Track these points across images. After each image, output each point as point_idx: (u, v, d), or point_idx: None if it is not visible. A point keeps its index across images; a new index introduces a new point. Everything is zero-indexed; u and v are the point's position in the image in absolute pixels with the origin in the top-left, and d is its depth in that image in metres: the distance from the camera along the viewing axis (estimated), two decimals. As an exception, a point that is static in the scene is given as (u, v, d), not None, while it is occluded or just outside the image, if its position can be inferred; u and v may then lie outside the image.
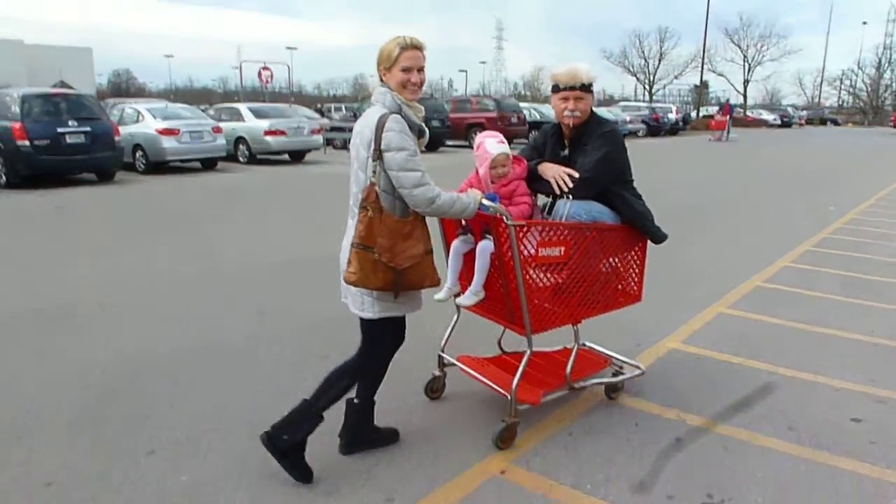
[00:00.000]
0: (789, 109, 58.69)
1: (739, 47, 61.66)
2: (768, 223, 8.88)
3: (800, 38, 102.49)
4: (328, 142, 22.57)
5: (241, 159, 16.81)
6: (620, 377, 3.55)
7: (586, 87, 3.15)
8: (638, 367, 3.61)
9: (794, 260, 6.57)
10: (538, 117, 25.95)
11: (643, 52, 65.06)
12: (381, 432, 3.01)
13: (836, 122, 62.20)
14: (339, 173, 14.86)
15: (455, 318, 3.41)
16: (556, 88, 3.20)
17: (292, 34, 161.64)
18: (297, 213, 9.51)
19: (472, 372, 3.33)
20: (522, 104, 32.99)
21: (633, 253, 3.38)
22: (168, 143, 14.02)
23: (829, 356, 4.15)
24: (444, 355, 3.46)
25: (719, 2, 67.87)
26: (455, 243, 3.22)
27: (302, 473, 2.73)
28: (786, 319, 4.75)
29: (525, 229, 2.92)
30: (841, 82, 70.89)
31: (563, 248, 3.06)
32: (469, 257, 3.19)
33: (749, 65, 62.47)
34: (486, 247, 3.06)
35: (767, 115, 53.51)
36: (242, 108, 17.75)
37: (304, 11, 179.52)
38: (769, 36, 61.65)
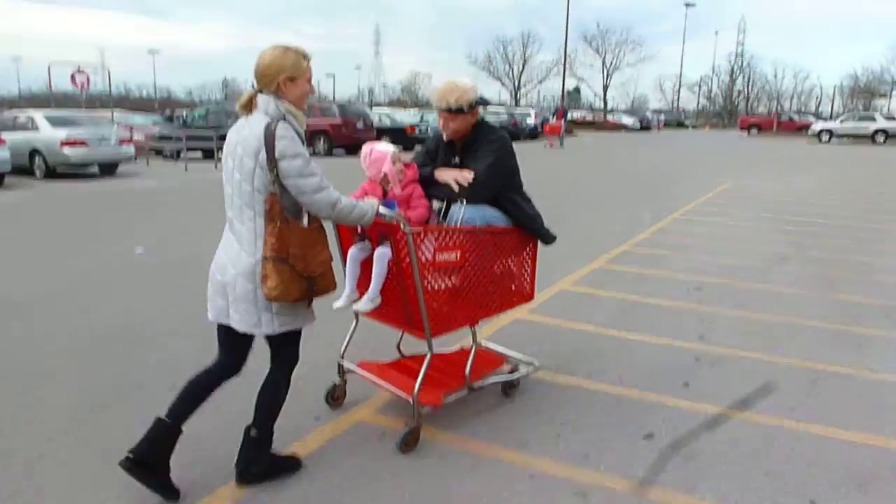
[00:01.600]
0: (648, 114, 63.24)
1: (598, 53, 65.43)
2: (569, 235, 9.00)
3: (661, 46, 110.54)
4: (158, 152, 20.50)
5: (36, 173, 15.30)
6: (517, 374, 3.78)
7: (454, 110, 3.31)
8: (532, 364, 3.85)
9: (575, 282, 6.32)
10: (388, 123, 25.46)
11: (507, 58, 66.76)
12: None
13: (694, 126, 68.10)
14: (143, 188, 14.28)
15: (353, 324, 3.56)
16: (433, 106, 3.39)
17: (163, 36, 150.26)
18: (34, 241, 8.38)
19: (372, 377, 3.47)
20: (394, 110, 32.31)
21: (525, 254, 3.60)
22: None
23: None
24: (343, 362, 3.58)
25: (580, 10, 71.88)
26: (352, 250, 3.35)
27: (290, 468, 2.96)
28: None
29: (422, 235, 3.07)
30: (699, 87, 77.58)
31: (459, 253, 3.22)
32: (366, 264, 3.32)
33: (608, 70, 66.52)
34: (383, 253, 3.18)
35: (627, 119, 57.17)
36: (37, 115, 16.08)
37: (173, 12, 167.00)
38: (626, 42, 66.52)
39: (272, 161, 2.54)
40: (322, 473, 2.98)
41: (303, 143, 2.67)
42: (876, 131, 37.22)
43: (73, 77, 22.21)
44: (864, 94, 64.35)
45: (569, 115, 56.04)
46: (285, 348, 2.85)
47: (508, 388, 3.74)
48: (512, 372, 3.77)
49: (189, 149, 19.12)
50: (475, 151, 3.36)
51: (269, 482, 2.87)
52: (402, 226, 2.94)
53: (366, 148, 3.29)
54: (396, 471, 3.01)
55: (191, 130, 20.14)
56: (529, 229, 3.50)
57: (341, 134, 22.11)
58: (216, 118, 20.98)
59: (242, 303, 2.66)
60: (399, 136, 23.81)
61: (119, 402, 3.69)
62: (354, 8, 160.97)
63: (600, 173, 17.98)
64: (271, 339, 2.79)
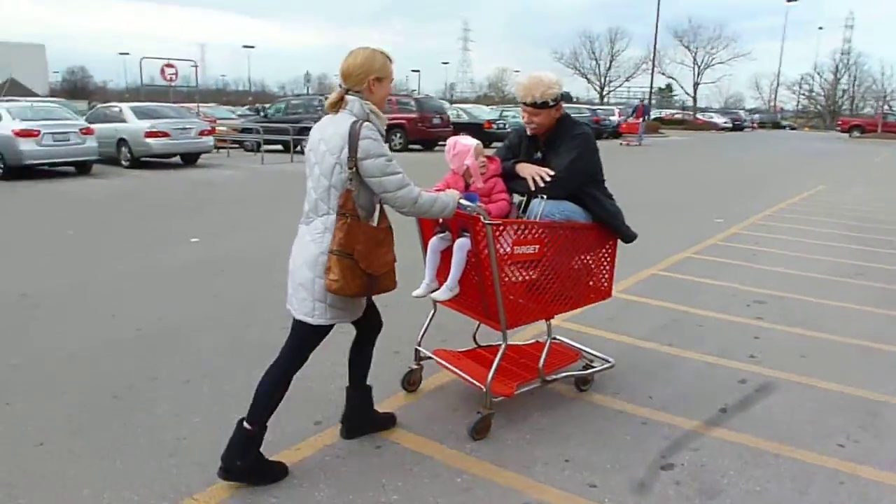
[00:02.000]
0: (741, 113, 60.81)
1: (689, 49, 63.36)
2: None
3: (758, 43, 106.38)
4: (239, 144, 21.05)
5: (123, 163, 16.12)
6: (591, 370, 3.83)
7: (538, 105, 3.36)
8: (607, 360, 3.88)
9: (624, 289, 5.92)
10: (466, 118, 25.32)
11: (594, 54, 65.85)
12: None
13: (792, 127, 64.92)
14: (219, 179, 14.71)
15: (431, 313, 3.68)
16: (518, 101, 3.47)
17: (257, 33, 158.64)
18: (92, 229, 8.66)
19: (447, 365, 3.59)
20: (484, 106, 31.93)
21: (603, 251, 3.64)
22: (26, 145, 13.27)
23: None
24: (420, 349, 3.70)
25: (671, 5, 70.30)
26: (433, 241, 3.45)
27: (275, 474, 2.90)
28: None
29: (501, 228, 3.14)
30: (800, 87, 74.15)
31: (537, 247, 3.29)
32: (446, 254, 3.42)
33: (699, 67, 64.30)
34: (463, 244, 3.27)
35: (718, 118, 54.91)
36: (124, 107, 17.16)
37: (266, 11, 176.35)
38: (718, 39, 63.79)
39: (353, 159, 2.65)
40: (306, 482, 2.91)
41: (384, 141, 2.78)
42: None
43: (162, 71, 23.12)
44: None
45: (658, 113, 53.91)
46: (306, 346, 2.89)
47: (582, 384, 3.80)
48: (586, 368, 3.82)
49: (268, 141, 19.60)
50: (558, 147, 3.41)
51: (250, 485, 2.84)
52: (482, 218, 3.02)
53: (450, 141, 3.40)
54: (384, 486, 2.90)
55: (270, 124, 20.51)
56: (610, 226, 3.53)
57: (417, 129, 22.26)
58: (296, 112, 21.29)
59: (302, 290, 2.77)
60: (476, 131, 23.46)
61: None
62: (442, 5, 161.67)
63: (676, 173, 17.41)
64: (306, 332, 2.83)
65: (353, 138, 2.65)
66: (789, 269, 6.88)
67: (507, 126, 26.11)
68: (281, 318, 3.35)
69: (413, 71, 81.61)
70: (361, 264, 2.69)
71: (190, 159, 17.22)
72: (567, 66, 68.06)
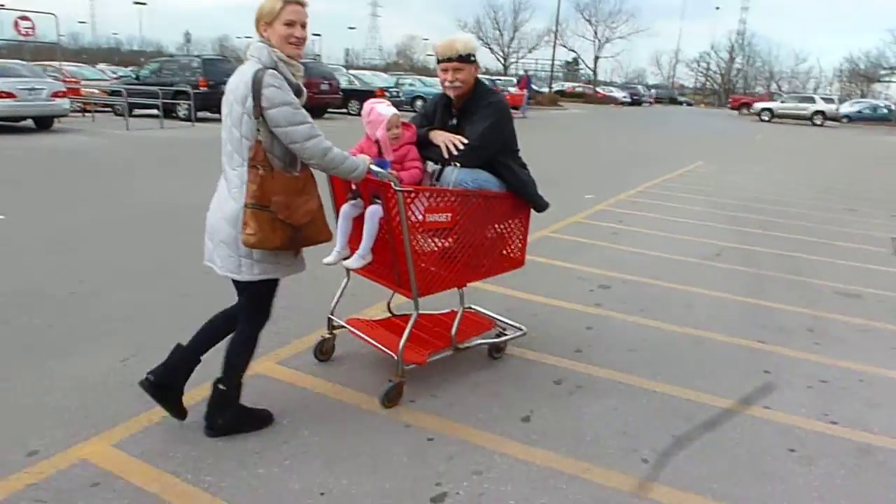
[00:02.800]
0: (640, 88, 62.98)
1: (590, 23, 64.57)
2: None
3: (659, 21, 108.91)
4: (111, 108, 19.23)
5: None
6: (504, 338, 3.92)
7: (464, 58, 3.39)
8: (520, 329, 3.98)
9: None
10: (358, 85, 24.28)
11: (497, 24, 65.25)
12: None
13: (689, 104, 67.91)
14: (66, 146, 13.37)
15: (345, 281, 3.69)
16: (438, 60, 3.48)
17: None
18: None
19: (360, 333, 3.61)
20: (382, 73, 30.51)
21: (517, 220, 3.71)
22: None
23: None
24: (333, 318, 3.72)
25: None
26: (345, 207, 3.45)
27: (263, 418, 3.03)
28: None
29: (413, 195, 3.17)
30: (698, 64, 77.54)
31: (449, 215, 3.32)
32: (358, 221, 3.43)
33: (599, 41, 65.73)
34: (374, 211, 3.29)
35: (618, 93, 56.68)
36: None
37: None
38: (619, 13, 65.60)
39: (258, 108, 2.61)
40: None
41: (298, 93, 2.73)
42: (814, 113, 38.13)
43: (15, 24, 20.67)
44: (860, 78, 62.79)
45: (561, 86, 53.93)
46: (259, 299, 2.90)
47: (495, 352, 3.89)
48: (499, 336, 3.90)
49: (143, 105, 18.42)
50: (472, 114, 3.45)
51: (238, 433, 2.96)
52: (392, 184, 3.04)
53: (367, 106, 3.40)
54: None
55: (140, 86, 18.91)
56: (523, 195, 3.60)
57: None
58: (170, 74, 19.64)
59: (224, 247, 2.75)
60: (367, 98, 22.68)
61: None
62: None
63: (556, 147, 17.35)
64: (247, 288, 2.85)
65: (257, 86, 2.60)
66: (646, 250, 6.74)
67: (400, 94, 25.39)
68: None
69: (314, 35, 78.92)
70: (280, 215, 2.65)
71: (44, 123, 15.74)
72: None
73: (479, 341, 3.78)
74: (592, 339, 4.26)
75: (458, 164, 3.36)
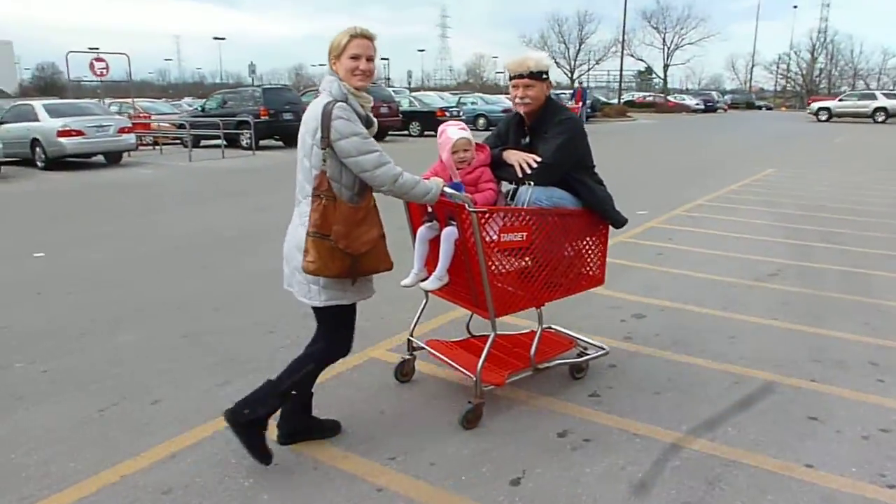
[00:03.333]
0: (714, 94, 61.18)
1: (658, 31, 63.31)
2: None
3: (733, 24, 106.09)
4: (180, 140, 20.07)
5: (38, 164, 15.68)
6: (584, 357, 3.88)
7: (535, 75, 3.42)
8: (601, 348, 3.95)
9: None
10: (417, 107, 24.39)
11: (562, 37, 64.94)
12: (322, 423, 3.20)
13: (768, 107, 65.28)
14: (128, 179, 14.06)
15: (423, 302, 3.75)
16: (509, 77, 3.51)
17: (233, 24, 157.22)
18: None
19: (439, 355, 3.66)
20: (446, 93, 32.38)
21: (594, 237, 3.70)
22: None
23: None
24: (413, 339, 3.79)
25: None
26: (421, 230, 3.52)
27: (261, 454, 2.90)
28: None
29: (487, 215, 3.21)
30: (777, 66, 75.10)
31: (525, 234, 3.34)
32: (435, 243, 3.48)
33: (668, 49, 64.53)
34: (450, 233, 3.34)
35: (690, 101, 55.03)
36: (37, 104, 16.60)
37: (245, 2, 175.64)
38: (687, 19, 64.22)
39: (325, 139, 2.72)
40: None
41: (368, 123, 2.87)
42: (875, 110, 36.56)
43: (91, 65, 21.78)
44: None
45: (631, 96, 52.50)
46: (332, 324, 2.98)
47: (576, 372, 3.87)
48: (580, 356, 3.89)
49: (210, 136, 19.02)
50: (544, 132, 3.47)
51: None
52: (466, 206, 3.09)
53: (441, 127, 3.46)
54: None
55: (204, 118, 19.62)
56: (599, 212, 3.60)
57: None
58: (234, 105, 20.22)
59: (298, 274, 2.88)
60: (429, 119, 22.77)
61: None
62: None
63: (618, 161, 16.52)
64: (321, 312, 2.95)
65: (326, 119, 2.72)
66: (693, 271, 6.24)
67: (461, 113, 25.25)
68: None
69: (382, 59, 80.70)
70: (340, 244, 2.74)
71: (113, 158, 16.62)
72: (536, 51, 66.86)
73: (559, 361, 3.77)
74: (614, 380, 3.84)
75: (531, 183, 3.39)
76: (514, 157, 3.45)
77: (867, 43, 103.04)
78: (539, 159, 3.37)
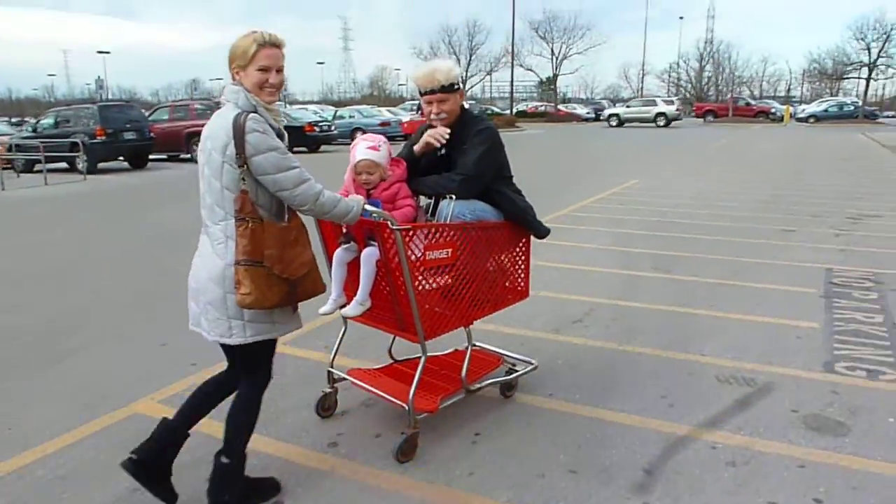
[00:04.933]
0: (604, 102, 63.49)
1: (545, 40, 63.93)
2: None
3: (625, 35, 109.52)
4: (9, 164, 18.38)
5: None
6: (514, 374, 3.87)
7: (447, 88, 3.38)
8: (530, 363, 3.95)
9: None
10: (285, 122, 22.53)
11: (453, 49, 64.43)
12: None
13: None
14: None
15: (342, 330, 3.61)
16: (420, 92, 3.47)
17: (129, 36, 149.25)
18: None
19: (365, 385, 3.52)
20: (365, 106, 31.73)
21: (518, 249, 3.71)
22: None
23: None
24: (333, 370, 3.62)
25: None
26: (338, 252, 3.40)
27: (267, 490, 2.88)
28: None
29: (411, 233, 3.16)
30: (668, 75, 79.07)
31: (450, 250, 3.31)
32: (353, 266, 3.39)
33: (556, 58, 64.81)
34: (371, 253, 3.25)
35: (580, 109, 57.18)
36: None
37: (143, 12, 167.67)
38: (574, 28, 64.44)
39: (241, 156, 2.51)
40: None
41: (280, 136, 2.66)
42: (657, 115, 40.60)
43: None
44: (822, 77, 62.95)
45: (524, 106, 52.30)
46: (257, 361, 2.80)
47: (506, 390, 3.86)
48: (509, 373, 3.87)
49: (51, 159, 17.26)
50: (462, 143, 3.44)
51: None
52: (389, 223, 3.02)
53: (354, 141, 3.33)
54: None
55: (37, 139, 17.71)
56: (522, 223, 3.60)
57: None
58: (69, 123, 18.32)
59: (212, 309, 2.64)
60: (297, 135, 21.47)
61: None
62: (324, 2, 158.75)
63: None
64: (242, 351, 2.71)
65: (238, 132, 2.49)
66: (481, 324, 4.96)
67: (332, 128, 23.97)
68: None
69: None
70: (275, 269, 2.55)
71: None
72: (425, 61, 65.70)
73: (490, 380, 3.72)
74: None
75: (453, 197, 3.33)
76: (424, 138, 3.39)
77: (751, 52, 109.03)
78: (448, 131, 3.32)
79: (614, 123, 41.52)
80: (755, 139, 29.65)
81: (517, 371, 3.87)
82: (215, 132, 2.56)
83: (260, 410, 2.83)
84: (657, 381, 4.08)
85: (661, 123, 40.45)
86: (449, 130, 3.33)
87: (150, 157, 19.86)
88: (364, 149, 3.21)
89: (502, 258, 3.60)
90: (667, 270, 6.71)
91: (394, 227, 2.96)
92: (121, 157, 18.89)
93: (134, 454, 2.71)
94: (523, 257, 3.71)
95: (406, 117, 30.19)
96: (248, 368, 2.78)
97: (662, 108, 41.29)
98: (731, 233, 8.62)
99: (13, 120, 33.77)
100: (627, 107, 43.33)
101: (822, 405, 3.76)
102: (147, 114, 21.75)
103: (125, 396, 3.92)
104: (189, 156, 20.11)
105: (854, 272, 6.55)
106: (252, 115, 2.54)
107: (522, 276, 3.73)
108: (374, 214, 2.94)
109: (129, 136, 18.26)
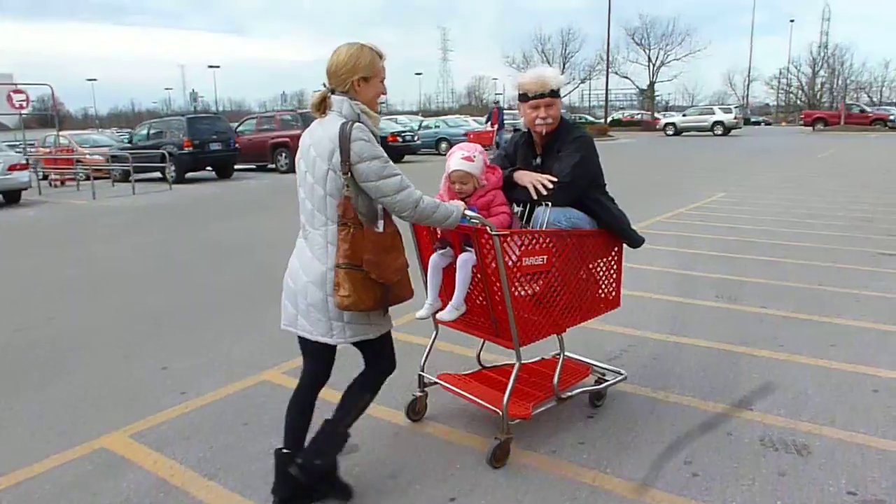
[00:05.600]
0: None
1: (642, 47, 62.21)
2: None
3: (729, 40, 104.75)
4: (107, 174, 19.20)
5: None
6: (604, 384, 3.81)
7: (555, 93, 3.40)
8: (619, 373, 3.88)
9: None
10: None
11: (546, 57, 64.50)
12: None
13: (767, 122, 65.23)
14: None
15: (433, 335, 3.63)
16: (524, 97, 3.43)
17: (242, 52, 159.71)
18: None
19: (456, 389, 3.53)
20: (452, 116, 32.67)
21: (610, 257, 3.67)
22: None
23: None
24: (424, 374, 3.64)
25: (627, 5, 66.94)
26: (433, 258, 3.41)
27: (343, 490, 2.91)
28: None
29: (508, 238, 3.16)
30: (778, 81, 75.26)
31: (546, 256, 3.29)
32: (447, 272, 3.41)
33: (653, 65, 62.90)
34: (467, 259, 3.25)
35: (678, 118, 53.94)
36: None
37: (253, 29, 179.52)
38: (671, 34, 62.69)
39: (346, 164, 2.58)
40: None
41: (382, 145, 2.75)
42: (714, 124, 39.58)
43: (9, 98, 20.14)
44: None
45: (620, 115, 50.80)
46: (373, 355, 2.88)
47: (596, 399, 3.80)
48: (598, 382, 3.81)
49: (141, 169, 18.10)
50: (558, 151, 3.42)
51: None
52: (488, 229, 3.01)
53: (452, 149, 3.33)
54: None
55: (135, 151, 18.91)
56: (616, 231, 3.56)
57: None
58: (159, 135, 19.09)
59: (315, 311, 2.71)
60: (381, 146, 21.10)
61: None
62: (424, 15, 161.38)
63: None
64: (359, 346, 2.82)
65: (344, 141, 2.56)
66: None
67: (415, 137, 23.87)
68: None
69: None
70: (372, 274, 2.61)
71: (11, 197, 15.32)
72: (519, 71, 64.49)
73: (580, 389, 3.68)
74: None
75: (549, 204, 3.31)
76: (527, 178, 3.37)
77: (868, 55, 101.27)
78: (554, 179, 3.31)
79: (671, 133, 40.56)
80: (865, 149, 26.83)
81: (607, 381, 3.81)
82: (321, 140, 2.63)
83: (374, 397, 2.90)
84: (684, 441, 3.39)
85: (719, 132, 39.41)
86: (553, 179, 3.27)
87: (237, 167, 20.40)
88: (458, 159, 3.22)
89: (595, 266, 3.57)
90: (732, 299, 5.83)
91: (493, 233, 2.96)
92: (208, 168, 19.50)
93: (274, 494, 2.82)
94: (616, 266, 3.67)
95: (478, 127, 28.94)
96: (371, 361, 2.88)
97: (720, 116, 40.26)
98: (817, 255, 7.50)
99: (118, 132, 35.67)
100: (684, 115, 42.23)
101: (892, 487, 2.94)
102: (235, 126, 22.40)
103: (96, 429, 3.70)
104: (273, 166, 20.72)
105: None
106: (358, 124, 2.60)
107: (614, 285, 3.69)
108: (473, 220, 2.95)
109: (216, 147, 18.75)
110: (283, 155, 20.32)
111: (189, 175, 18.87)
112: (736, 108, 45.72)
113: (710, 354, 4.54)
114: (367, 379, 2.89)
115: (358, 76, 2.65)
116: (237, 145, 19.79)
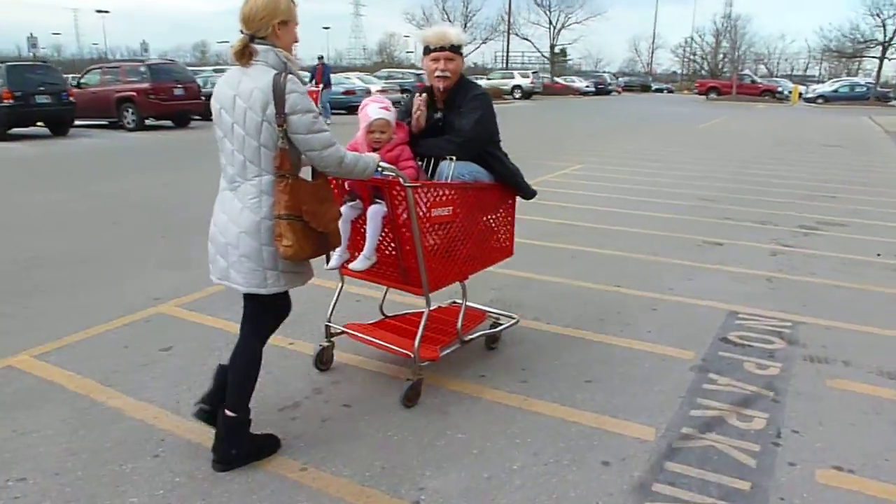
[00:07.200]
0: (606, 76, 59.04)
1: (543, 9, 60.99)
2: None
3: (638, 8, 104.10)
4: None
5: None
6: (499, 328, 3.98)
7: (455, 48, 3.45)
8: (512, 317, 4.04)
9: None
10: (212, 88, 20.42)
11: (447, 14, 61.68)
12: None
13: (669, 90, 65.01)
14: None
15: (339, 286, 3.63)
16: (426, 50, 3.50)
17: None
18: None
19: (365, 337, 3.58)
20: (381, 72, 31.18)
21: (504, 210, 3.78)
22: None
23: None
24: (331, 324, 3.64)
25: None
26: (343, 209, 3.36)
27: (270, 447, 2.86)
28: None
29: (422, 190, 3.19)
30: (683, 50, 75.45)
31: (451, 207, 3.37)
32: (355, 223, 3.40)
33: (554, 28, 61.57)
34: (377, 210, 3.26)
35: (579, 82, 52.91)
36: None
37: None
38: None
39: (281, 115, 2.52)
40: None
41: None
42: (513, 87, 41.24)
43: None
44: (834, 55, 59.97)
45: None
46: (276, 311, 2.83)
47: (491, 342, 3.95)
48: (494, 326, 3.97)
49: None
50: (458, 107, 3.46)
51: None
52: (402, 181, 3.03)
53: (365, 101, 3.33)
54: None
55: None
56: (512, 185, 3.67)
57: (150, 102, 18.47)
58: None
59: (247, 261, 2.64)
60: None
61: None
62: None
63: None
64: (270, 300, 2.74)
65: (279, 92, 2.50)
66: None
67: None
68: None
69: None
70: (312, 223, 2.60)
71: None
72: (419, 28, 60.46)
73: (479, 333, 3.81)
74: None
75: (453, 158, 3.37)
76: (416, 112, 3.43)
77: (769, 27, 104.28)
78: (461, 132, 3.37)
79: (518, 95, 41.12)
80: (749, 120, 26.51)
81: (501, 325, 3.97)
82: (251, 92, 2.51)
83: (261, 363, 2.80)
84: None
85: (518, 96, 40.51)
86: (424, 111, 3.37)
87: (77, 123, 18.07)
88: (377, 108, 3.22)
89: (491, 218, 3.67)
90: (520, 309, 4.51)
91: (406, 185, 2.99)
92: (39, 123, 17.12)
93: (203, 404, 2.79)
94: (509, 218, 3.80)
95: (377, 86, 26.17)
96: (264, 318, 2.79)
97: (518, 80, 41.81)
98: (637, 245, 6.38)
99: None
100: (488, 79, 41.83)
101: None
102: (79, 77, 19.95)
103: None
104: (120, 122, 18.51)
105: (764, 319, 4.46)
106: (290, 76, 2.53)
107: (508, 235, 3.83)
108: (387, 172, 2.95)
109: (43, 101, 16.41)
110: (130, 111, 18.20)
111: (15, 131, 16.46)
112: (533, 73, 45.65)
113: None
114: (251, 351, 2.78)
115: (278, 19, 2.56)
116: (71, 98, 17.28)
